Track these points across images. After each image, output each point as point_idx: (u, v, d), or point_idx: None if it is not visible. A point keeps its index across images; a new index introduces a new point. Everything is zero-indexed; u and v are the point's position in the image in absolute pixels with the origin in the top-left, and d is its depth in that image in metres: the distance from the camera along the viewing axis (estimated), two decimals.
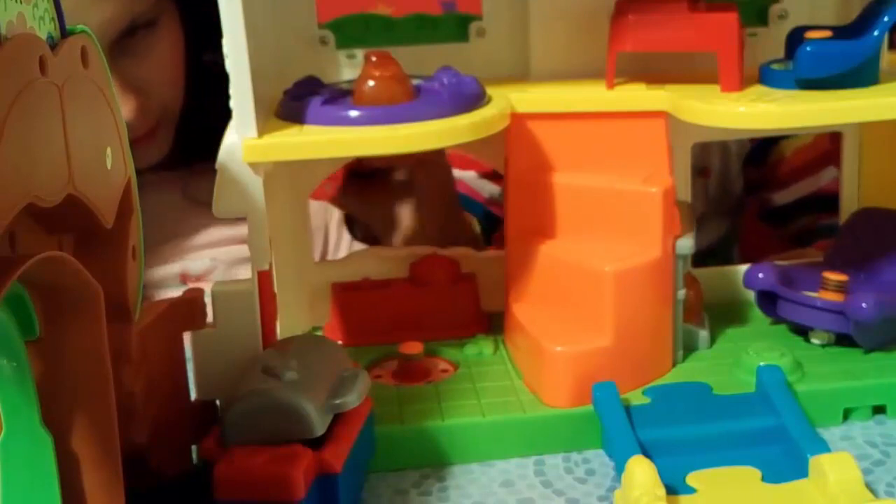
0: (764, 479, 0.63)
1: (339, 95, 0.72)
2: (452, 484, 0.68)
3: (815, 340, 0.78)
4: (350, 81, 0.74)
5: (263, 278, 0.70)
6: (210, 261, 1.07)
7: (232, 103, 0.66)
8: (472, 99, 0.71)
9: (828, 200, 1.07)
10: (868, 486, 0.61)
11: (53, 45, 0.50)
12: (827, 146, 1.16)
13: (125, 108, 1.00)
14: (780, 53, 0.75)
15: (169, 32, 1.02)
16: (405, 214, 1.15)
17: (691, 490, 0.63)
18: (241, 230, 0.72)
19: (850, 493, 0.59)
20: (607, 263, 0.71)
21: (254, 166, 0.67)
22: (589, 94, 0.75)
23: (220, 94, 0.68)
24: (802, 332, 0.79)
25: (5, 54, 0.45)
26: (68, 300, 0.49)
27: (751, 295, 0.81)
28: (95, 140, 0.53)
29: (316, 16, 0.80)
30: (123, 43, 0.98)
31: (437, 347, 0.79)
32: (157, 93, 1.01)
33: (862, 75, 0.70)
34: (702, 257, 0.96)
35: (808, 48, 0.70)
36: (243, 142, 0.67)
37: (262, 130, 0.67)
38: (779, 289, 0.78)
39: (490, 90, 0.73)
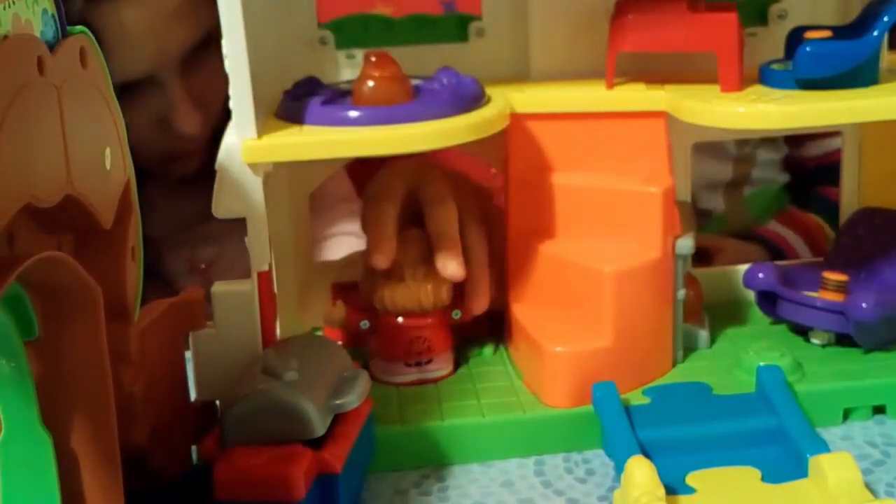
0: (764, 479, 0.63)
1: (339, 96, 0.72)
2: (452, 484, 0.68)
3: (815, 340, 0.78)
4: (350, 82, 0.74)
5: (263, 278, 0.70)
6: None
7: (232, 103, 0.66)
8: (471, 99, 0.71)
9: None
10: (868, 486, 0.61)
11: (52, 46, 0.50)
12: None
13: (193, 122, 1.01)
14: (780, 53, 0.75)
15: None
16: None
17: (691, 490, 0.63)
18: None
19: (850, 493, 0.60)
20: (607, 263, 0.71)
21: (253, 167, 0.67)
22: (589, 94, 0.75)
23: None
24: (802, 332, 0.79)
25: (2, 54, 0.45)
26: (67, 300, 0.49)
27: (751, 295, 0.81)
28: (94, 140, 0.53)
29: (316, 16, 0.80)
30: (195, 57, 0.99)
31: None
32: (216, 106, 1.01)
33: (862, 75, 0.70)
34: None
35: (808, 48, 0.70)
36: (243, 142, 0.67)
37: (262, 131, 0.67)
38: (779, 289, 0.78)
39: (490, 90, 0.73)
